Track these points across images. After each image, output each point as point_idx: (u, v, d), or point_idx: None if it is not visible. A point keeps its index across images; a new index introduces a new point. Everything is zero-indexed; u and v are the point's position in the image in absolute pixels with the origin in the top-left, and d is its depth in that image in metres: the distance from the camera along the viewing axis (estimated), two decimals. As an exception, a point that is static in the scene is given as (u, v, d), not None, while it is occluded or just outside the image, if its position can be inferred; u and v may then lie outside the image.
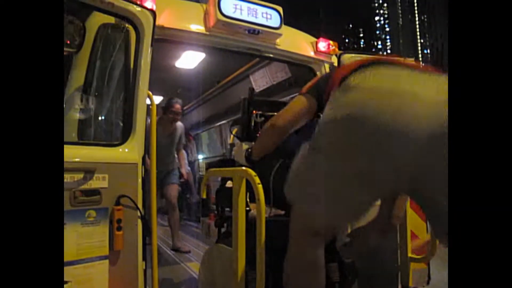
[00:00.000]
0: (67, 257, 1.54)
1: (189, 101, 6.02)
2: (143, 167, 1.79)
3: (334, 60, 2.71)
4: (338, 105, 1.27)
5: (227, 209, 2.01)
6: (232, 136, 2.21)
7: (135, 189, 1.74)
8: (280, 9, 2.46)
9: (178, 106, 3.97)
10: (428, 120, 1.10)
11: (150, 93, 1.87)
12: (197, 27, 2.27)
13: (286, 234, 1.43)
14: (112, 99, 2.13)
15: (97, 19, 1.91)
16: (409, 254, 2.13)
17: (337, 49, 2.77)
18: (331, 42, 2.75)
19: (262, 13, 2.38)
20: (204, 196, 2.01)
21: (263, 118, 2.00)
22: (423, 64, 1.81)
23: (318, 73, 2.80)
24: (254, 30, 2.35)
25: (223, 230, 2.08)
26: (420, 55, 70.33)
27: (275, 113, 1.99)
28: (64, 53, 1.81)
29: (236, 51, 2.46)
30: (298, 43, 2.69)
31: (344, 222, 1.42)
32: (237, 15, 2.27)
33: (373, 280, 1.89)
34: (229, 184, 1.99)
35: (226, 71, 4.41)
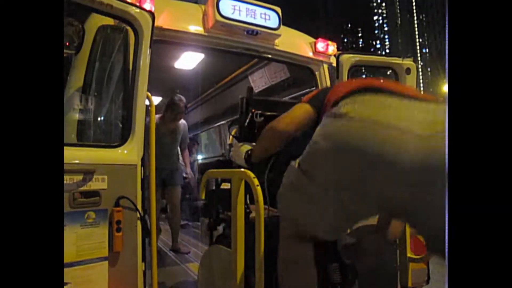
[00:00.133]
0: (66, 259, 1.55)
1: (188, 102, 6.02)
2: (142, 168, 1.79)
3: (333, 60, 2.72)
4: (326, 132, 1.30)
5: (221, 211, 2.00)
6: (231, 136, 2.21)
7: (135, 190, 1.75)
8: (278, 9, 2.46)
9: (181, 103, 3.83)
10: (416, 151, 1.12)
11: (149, 94, 1.87)
12: (196, 28, 2.27)
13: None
14: (111, 101, 2.13)
15: (96, 21, 1.91)
16: (408, 254, 2.14)
17: (335, 49, 2.78)
18: (329, 42, 2.75)
19: (261, 14, 2.38)
20: (203, 197, 2.01)
21: (262, 118, 1.98)
22: (415, 89, 1.84)
23: (316, 73, 2.80)
24: (252, 31, 2.36)
25: (216, 233, 2.06)
26: (418, 54, 70.41)
27: (275, 113, 1.99)
28: (64, 55, 1.82)
29: (234, 52, 2.47)
30: (297, 43, 2.70)
31: (333, 233, 1.44)
32: (235, 16, 2.28)
33: (372, 280, 1.89)
34: (224, 185, 2.00)
35: (225, 72, 4.41)
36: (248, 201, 1.73)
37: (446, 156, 0.98)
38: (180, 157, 4.24)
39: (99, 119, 2.13)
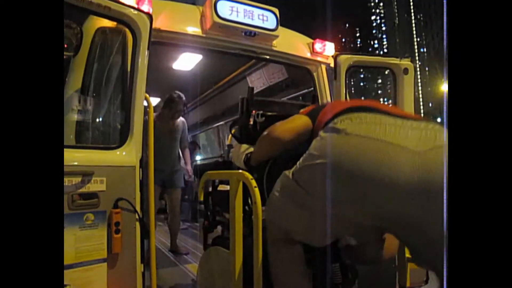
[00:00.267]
0: (65, 261, 1.55)
1: (187, 103, 6.02)
2: (141, 169, 1.79)
3: (331, 60, 2.72)
4: (323, 147, 1.32)
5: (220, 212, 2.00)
6: (230, 137, 2.20)
7: (133, 192, 1.75)
8: (276, 10, 2.47)
9: (180, 101, 3.68)
10: (412, 167, 1.16)
11: (147, 95, 1.87)
12: (194, 30, 2.27)
13: None
14: (109, 102, 2.14)
15: (94, 23, 1.91)
16: (407, 255, 2.14)
17: (333, 50, 2.78)
18: (327, 43, 2.76)
19: (259, 15, 2.39)
20: (202, 199, 2.01)
21: (263, 118, 1.97)
22: (402, 110, 1.88)
23: (314, 74, 2.81)
24: (250, 32, 2.36)
25: (212, 235, 2.05)
26: (416, 54, 70.50)
27: (276, 113, 1.99)
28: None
29: (232, 53, 2.47)
30: (295, 44, 2.70)
31: (322, 242, 1.46)
32: (233, 17, 2.28)
33: (371, 280, 1.90)
34: (221, 187, 1.99)
35: (223, 73, 4.41)
36: (249, 202, 1.73)
37: (446, 154, 1.00)
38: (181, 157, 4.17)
39: (97, 120, 2.13)
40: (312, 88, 2.86)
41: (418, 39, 72.78)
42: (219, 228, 2.09)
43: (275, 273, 1.48)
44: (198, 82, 4.51)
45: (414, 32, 73.63)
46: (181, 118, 3.90)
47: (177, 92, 3.73)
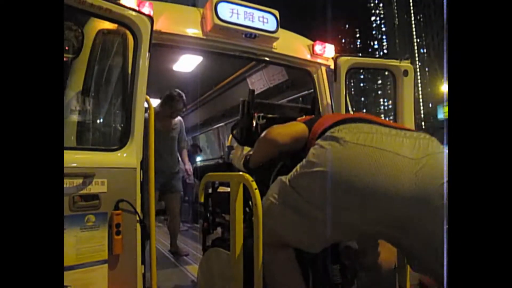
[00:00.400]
0: (66, 262, 1.55)
1: (187, 104, 6.02)
2: (141, 171, 1.80)
3: (331, 62, 2.73)
4: (321, 155, 1.34)
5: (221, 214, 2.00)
6: (230, 138, 2.22)
7: (134, 194, 1.76)
8: (276, 12, 2.48)
9: (180, 100, 3.55)
10: (410, 174, 1.20)
11: (148, 97, 1.88)
12: (194, 32, 2.28)
13: None
14: (110, 104, 2.14)
15: (95, 25, 1.92)
16: (406, 255, 2.15)
17: (333, 52, 2.79)
18: (327, 45, 2.77)
19: (259, 17, 2.40)
20: (202, 200, 2.02)
21: (265, 120, 1.98)
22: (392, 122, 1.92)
23: (314, 75, 2.82)
24: (250, 34, 2.37)
25: (212, 237, 2.05)
26: (416, 55, 70.52)
27: (276, 116, 2.00)
28: (63, 59, 1.82)
29: (233, 54, 2.48)
30: (295, 46, 2.71)
31: (317, 248, 1.48)
32: (233, 19, 2.29)
33: (371, 281, 1.90)
34: (221, 189, 2.00)
35: (223, 74, 4.41)
36: (249, 204, 1.74)
37: (446, 155, 1.01)
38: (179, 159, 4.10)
39: (98, 122, 2.14)
40: (312, 90, 2.87)
41: (418, 40, 72.83)
42: (219, 229, 2.10)
43: (269, 276, 1.49)
44: (198, 83, 4.52)
45: (414, 32, 73.67)
46: (178, 117, 3.80)
47: (177, 90, 3.61)
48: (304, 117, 1.89)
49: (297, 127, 1.65)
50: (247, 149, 1.89)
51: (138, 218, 1.75)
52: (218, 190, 2.05)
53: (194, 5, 2.50)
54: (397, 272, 2.13)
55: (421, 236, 1.24)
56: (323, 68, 2.79)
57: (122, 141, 1.82)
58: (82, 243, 1.61)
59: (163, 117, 3.59)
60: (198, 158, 7.25)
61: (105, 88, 2.10)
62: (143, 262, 1.78)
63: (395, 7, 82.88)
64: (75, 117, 1.89)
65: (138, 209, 1.75)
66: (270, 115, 2.01)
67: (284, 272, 1.49)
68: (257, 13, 2.39)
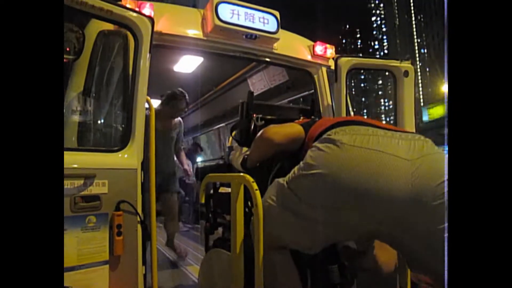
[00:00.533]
0: (68, 263, 1.56)
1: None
2: (142, 172, 1.80)
3: (331, 63, 2.73)
4: (319, 157, 1.34)
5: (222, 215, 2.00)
6: (230, 139, 2.23)
7: (135, 195, 1.76)
8: (277, 13, 2.48)
9: (183, 100, 3.47)
10: (406, 175, 1.21)
11: (149, 98, 1.88)
12: (195, 33, 2.29)
13: None
14: (111, 105, 2.15)
15: (96, 26, 1.92)
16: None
17: (334, 53, 2.79)
18: (328, 45, 2.77)
19: (259, 18, 2.40)
20: (203, 201, 2.02)
21: (263, 122, 1.99)
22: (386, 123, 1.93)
23: (315, 76, 2.82)
24: (251, 35, 2.37)
25: (213, 237, 2.06)
26: (417, 55, 70.50)
27: (275, 117, 2.00)
28: (64, 60, 1.83)
29: (233, 55, 2.48)
30: (295, 47, 2.71)
31: (314, 249, 1.48)
32: (234, 20, 2.29)
33: (371, 281, 1.90)
34: (222, 189, 2.00)
35: (224, 75, 4.42)
36: (249, 205, 1.74)
37: (445, 155, 1.01)
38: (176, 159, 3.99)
39: (99, 123, 2.14)
40: (313, 90, 2.87)
41: (419, 40, 72.80)
42: (220, 229, 2.10)
43: (266, 278, 1.50)
44: (199, 84, 4.52)
45: (415, 33, 73.65)
46: (178, 118, 3.74)
47: (180, 89, 3.55)
48: (301, 119, 1.90)
49: (293, 128, 1.66)
50: (244, 149, 1.90)
51: (139, 219, 1.75)
52: (219, 190, 2.06)
53: (194, 6, 2.51)
54: (398, 272, 2.14)
55: (420, 236, 1.25)
56: (324, 69, 2.80)
57: (123, 142, 1.83)
58: (83, 244, 1.62)
59: (164, 117, 3.53)
60: (199, 159, 7.26)
61: (106, 89, 2.10)
62: (144, 263, 1.78)
63: (396, 7, 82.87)
64: (76, 118, 1.89)
65: (139, 210, 1.76)
66: (268, 117, 2.03)
67: (281, 274, 1.49)
68: (257, 14, 2.39)
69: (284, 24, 2.53)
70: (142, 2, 1.94)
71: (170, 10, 2.26)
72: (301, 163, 1.40)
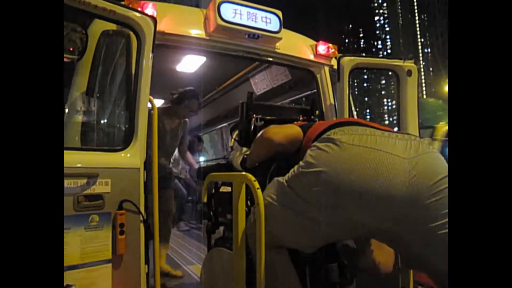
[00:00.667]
0: (71, 261, 1.57)
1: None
2: (145, 171, 1.81)
3: (334, 62, 2.73)
4: (319, 156, 1.36)
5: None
6: (232, 139, 2.24)
7: (138, 194, 1.77)
8: (279, 13, 2.48)
9: (197, 102, 3.36)
10: (405, 174, 1.23)
11: (151, 98, 1.89)
12: (198, 32, 2.29)
13: None
14: (114, 104, 2.16)
15: (99, 26, 1.93)
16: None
17: (336, 52, 2.79)
18: (330, 45, 2.77)
19: (262, 17, 2.40)
20: (205, 200, 2.02)
21: (262, 122, 2.01)
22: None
23: (318, 76, 2.81)
24: (254, 35, 2.38)
25: (215, 236, 2.06)
26: (420, 55, 70.24)
27: (275, 117, 2.01)
28: (67, 60, 1.84)
29: (236, 55, 2.49)
30: (298, 46, 2.71)
31: (313, 248, 1.49)
32: (236, 19, 2.29)
33: (371, 282, 1.90)
34: (223, 189, 2.01)
35: (226, 74, 4.42)
36: (249, 204, 1.74)
37: (447, 155, 1.01)
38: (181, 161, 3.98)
39: (102, 122, 2.15)
40: (315, 90, 2.87)
41: (422, 40, 72.55)
42: (221, 229, 2.11)
43: (267, 276, 1.50)
44: (202, 84, 4.52)
45: (418, 32, 73.40)
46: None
47: (194, 90, 3.44)
48: (301, 119, 1.91)
49: (293, 129, 1.68)
50: (244, 150, 1.91)
51: (141, 218, 1.76)
52: (221, 190, 2.06)
53: (197, 5, 2.52)
54: (400, 272, 2.13)
55: (418, 234, 1.28)
56: (326, 68, 2.79)
57: (125, 141, 1.83)
58: (86, 242, 1.63)
59: (174, 115, 3.41)
60: (202, 158, 7.26)
61: (109, 89, 2.11)
62: (146, 262, 1.79)
63: (399, 7, 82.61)
64: (79, 118, 1.90)
65: (142, 209, 1.76)
66: (268, 117, 2.03)
67: (279, 273, 1.50)
68: (260, 14, 2.40)
69: (287, 23, 2.53)
70: (145, 2, 1.95)
71: (172, 10, 2.27)
72: (301, 162, 1.42)
